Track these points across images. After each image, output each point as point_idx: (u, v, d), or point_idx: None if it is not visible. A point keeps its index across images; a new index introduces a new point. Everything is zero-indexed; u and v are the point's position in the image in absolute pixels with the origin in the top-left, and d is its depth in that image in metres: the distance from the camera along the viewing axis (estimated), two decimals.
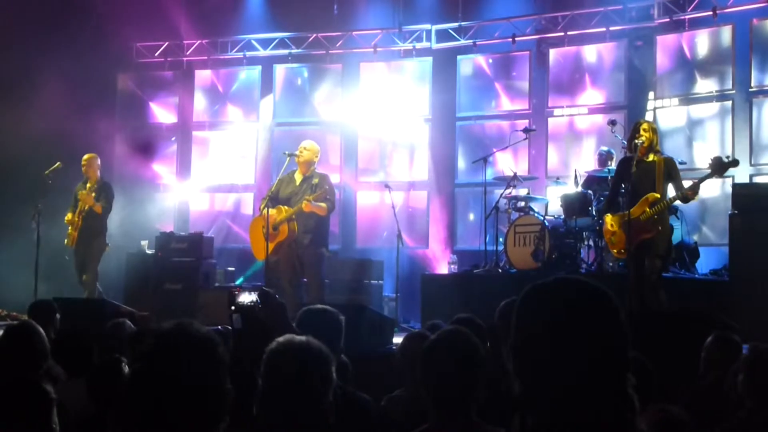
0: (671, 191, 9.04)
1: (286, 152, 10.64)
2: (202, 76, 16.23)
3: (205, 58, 16.22)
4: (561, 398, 2.05)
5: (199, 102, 16.20)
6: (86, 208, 11.95)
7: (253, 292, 4.28)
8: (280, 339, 3.14)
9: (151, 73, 16.45)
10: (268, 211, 10.16)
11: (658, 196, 8.84)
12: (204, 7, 15.89)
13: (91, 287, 11.88)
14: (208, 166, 16.05)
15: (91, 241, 12.04)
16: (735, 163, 9.00)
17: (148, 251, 14.07)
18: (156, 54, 16.29)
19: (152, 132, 16.24)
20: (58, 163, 12.12)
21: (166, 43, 16.20)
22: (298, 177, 10.57)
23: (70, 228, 11.98)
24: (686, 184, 9.02)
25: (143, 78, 16.44)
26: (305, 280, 10.53)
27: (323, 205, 10.27)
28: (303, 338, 3.12)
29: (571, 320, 2.07)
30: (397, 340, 8.58)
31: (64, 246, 12.16)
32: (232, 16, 16.09)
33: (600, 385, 2.04)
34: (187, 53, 16.22)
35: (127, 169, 15.77)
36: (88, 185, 12.12)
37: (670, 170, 8.99)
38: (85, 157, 12.24)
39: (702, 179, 8.79)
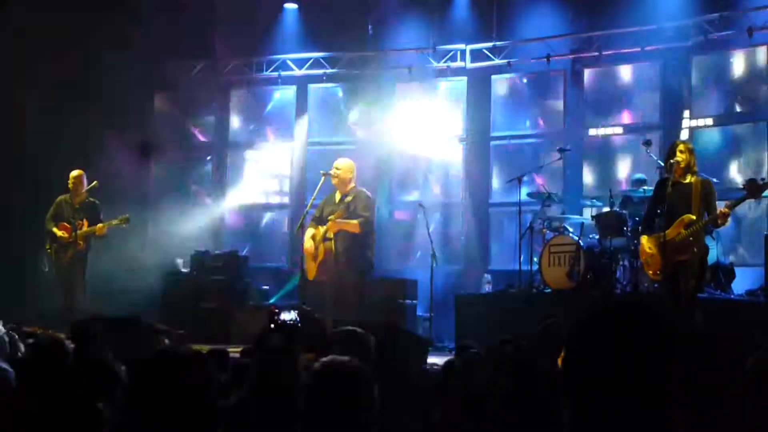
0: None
1: (322, 171, 10.61)
2: (238, 95, 16.37)
3: (241, 77, 16.35)
4: (608, 418, 2.09)
5: (235, 121, 16.32)
6: (86, 230, 11.93)
7: (293, 311, 4.32)
8: (325, 359, 3.16)
9: (187, 92, 16.61)
10: (310, 233, 10.28)
11: (694, 217, 8.73)
12: (239, 28, 16.01)
13: (82, 306, 11.68)
14: (243, 185, 16.15)
15: (81, 259, 12.00)
16: None
17: (184, 270, 14.19)
18: (192, 73, 16.44)
19: (188, 151, 16.40)
20: (95, 182, 12.21)
21: (203, 63, 16.33)
22: (337, 196, 10.49)
23: (61, 241, 11.87)
24: (721, 205, 8.96)
25: (180, 97, 16.60)
26: (344, 298, 10.50)
27: (353, 221, 10.11)
28: (346, 359, 3.14)
29: (625, 343, 2.12)
30: (432, 360, 8.58)
31: (58, 259, 12.03)
32: (267, 36, 16.17)
33: (646, 406, 2.08)
34: (223, 73, 16.35)
35: (164, 188, 15.92)
36: (76, 201, 12.06)
37: (707, 193, 8.92)
38: (75, 173, 12.17)
39: (736, 203, 8.72)
